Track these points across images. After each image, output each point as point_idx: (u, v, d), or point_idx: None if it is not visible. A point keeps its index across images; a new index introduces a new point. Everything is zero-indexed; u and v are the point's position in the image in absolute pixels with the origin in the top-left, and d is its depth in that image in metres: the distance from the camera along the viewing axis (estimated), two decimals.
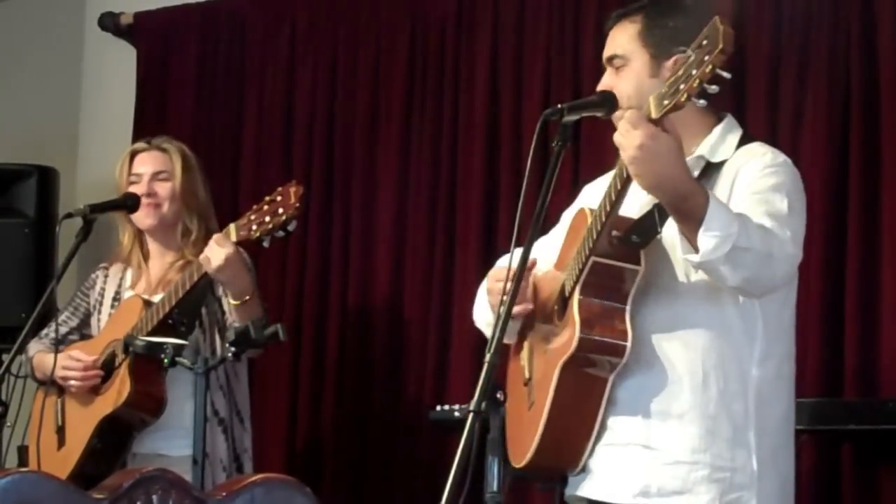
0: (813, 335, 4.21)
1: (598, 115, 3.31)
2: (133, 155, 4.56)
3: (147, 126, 5.57)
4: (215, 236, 4.17)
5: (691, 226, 2.99)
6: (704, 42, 2.85)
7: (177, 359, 3.87)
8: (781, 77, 4.39)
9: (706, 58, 2.83)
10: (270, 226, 4.03)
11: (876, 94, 4.25)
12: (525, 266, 2.98)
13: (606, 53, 3.32)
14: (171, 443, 4.28)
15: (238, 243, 4.13)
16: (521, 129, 4.85)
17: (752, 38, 4.41)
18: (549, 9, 4.86)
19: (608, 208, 3.11)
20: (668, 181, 2.99)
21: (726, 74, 2.85)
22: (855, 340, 4.18)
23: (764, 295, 3.15)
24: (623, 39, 3.30)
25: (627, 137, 2.98)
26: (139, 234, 4.56)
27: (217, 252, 4.11)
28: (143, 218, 4.49)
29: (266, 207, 4.06)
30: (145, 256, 4.55)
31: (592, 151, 4.46)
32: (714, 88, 2.87)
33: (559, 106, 3.09)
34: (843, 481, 4.15)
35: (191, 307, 4.24)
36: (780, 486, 3.23)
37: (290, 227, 4.04)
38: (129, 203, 4.49)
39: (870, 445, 4.10)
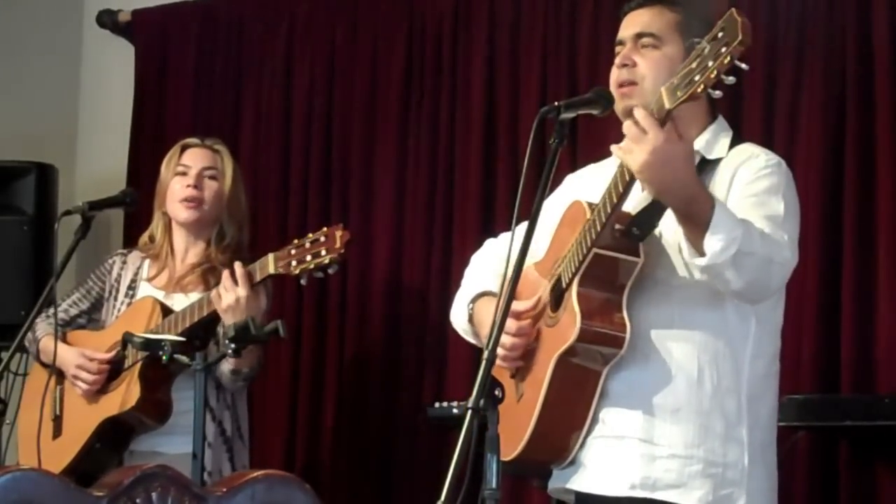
0: (809, 331, 4.23)
1: (594, 112, 3.31)
2: (184, 148, 4.50)
3: (145, 123, 5.59)
4: (233, 272, 4.10)
5: (696, 230, 3.00)
6: (720, 34, 2.85)
7: (175, 355, 3.86)
8: (777, 76, 4.39)
9: (723, 49, 2.83)
10: (311, 266, 3.96)
11: (871, 91, 4.25)
12: (523, 264, 2.97)
13: (634, 30, 3.31)
14: (168, 440, 4.25)
15: (274, 276, 4.07)
16: (517, 126, 4.85)
17: None
18: (545, 6, 4.87)
19: (615, 200, 3.10)
20: (677, 186, 2.99)
21: (744, 66, 2.86)
22: (851, 336, 4.18)
23: (761, 300, 3.17)
24: (659, 22, 3.30)
25: (639, 142, 2.96)
26: (169, 227, 4.50)
27: (230, 293, 4.07)
28: (182, 211, 4.42)
29: (308, 245, 3.99)
30: (171, 250, 4.49)
31: (589, 148, 4.45)
32: (731, 79, 2.87)
33: (556, 104, 3.07)
34: (839, 477, 4.16)
35: (206, 326, 4.19)
36: (768, 482, 3.27)
37: (331, 271, 3.97)
38: (128, 200, 4.45)
39: (866, 441, 4.11)
